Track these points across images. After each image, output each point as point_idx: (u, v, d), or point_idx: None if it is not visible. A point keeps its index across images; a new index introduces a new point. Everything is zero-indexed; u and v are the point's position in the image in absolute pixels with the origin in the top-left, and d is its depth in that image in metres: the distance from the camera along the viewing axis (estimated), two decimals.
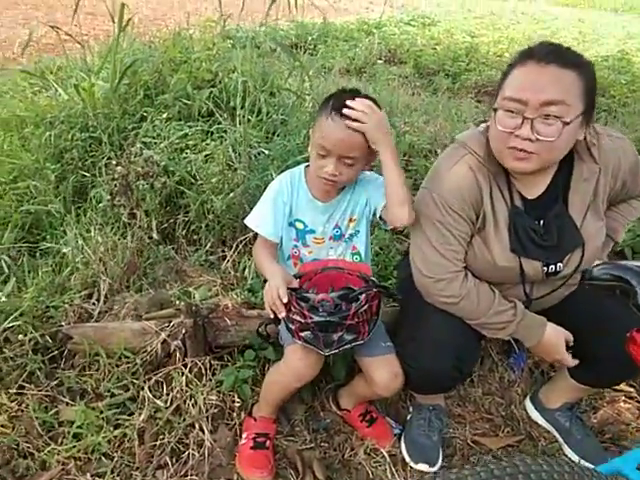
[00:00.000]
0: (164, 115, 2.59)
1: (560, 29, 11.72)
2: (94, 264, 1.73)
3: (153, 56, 3.31)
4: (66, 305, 1.57)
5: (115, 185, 1.89)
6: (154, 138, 2.52)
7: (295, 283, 1.29)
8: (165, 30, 3.85)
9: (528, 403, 1.72)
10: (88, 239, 1.79)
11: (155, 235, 2.09)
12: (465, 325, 1.36)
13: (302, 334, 1.26)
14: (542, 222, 1.32)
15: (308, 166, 1.43)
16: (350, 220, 1.44)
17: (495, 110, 1.18)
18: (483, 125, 1.35)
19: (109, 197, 1.92)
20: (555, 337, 1.34)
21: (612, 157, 1.30)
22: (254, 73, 3.24)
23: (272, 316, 1.29)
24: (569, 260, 1.34)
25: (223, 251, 2.08)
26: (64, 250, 1.76)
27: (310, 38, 7.10)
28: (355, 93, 1.31)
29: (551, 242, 1.31)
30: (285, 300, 1.22)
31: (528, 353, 1.83)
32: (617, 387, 1.78)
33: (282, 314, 1.24)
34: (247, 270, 1.87)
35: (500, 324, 1.33)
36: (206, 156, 2.16)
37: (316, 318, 1.22)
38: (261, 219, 1.40)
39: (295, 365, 1.33)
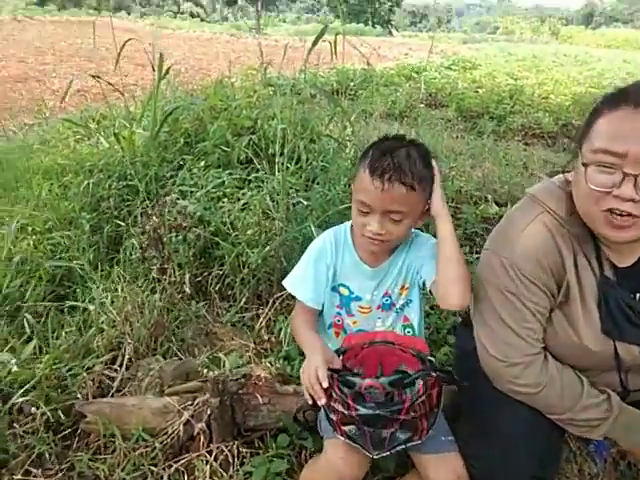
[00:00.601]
0: (202, 163, 2.50)
1: (606, 70, 11.45)
2: (119, 324, 1.60)
3: (194, 104, 3.30)
4: (85, 373, 1.43)
5: (146, 238, 1.78)
6: (191, 186, 2.44)
7: (338, 363, 1.09)
8: (208, 79, 3.86)
9: None
10: (115, 296, 1.66)
11: (187, 289, 1.95)
12: (546, 419, 1.12)
13: (345, 428, 1.05)
14: (638, 296, 1.09)
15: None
16: (402, 288, 1.26)
17: (585, 166, 0.97)
18: (559, 177, 1.15)
19: (140, 250, 1.80)
20: None
21: None
22: (294, 119, 3.17)
23: (310, 401, 1.09)
24: None
25: (259, 307, 1.92)
26: (91, 307, 1.63)
27: (351, 84, 7.13)
28: (399, 140, 1.15)
29: None
30: (325, 385, 1.02)
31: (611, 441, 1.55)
32: None
33: (322, 401, 1.04)
34: (283, 332, 1.69)
35: (591, 421, 1.08)
36: (243, 205, 2.03)
37: (362, 410, 1.02)
38: (301, 282, 1.25)
39: (336, 464, 1.11)
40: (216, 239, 2.06)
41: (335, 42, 2.69)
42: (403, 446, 1.06)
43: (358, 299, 1.25)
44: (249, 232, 1.88)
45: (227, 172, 2.58)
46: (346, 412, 1.03)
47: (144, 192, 2.40)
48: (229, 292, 1.96)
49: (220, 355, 1.53)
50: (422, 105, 6.63)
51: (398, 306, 1.27)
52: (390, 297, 1.26)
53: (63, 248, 2.19)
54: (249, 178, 2.46)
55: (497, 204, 3.15)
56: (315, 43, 1.81)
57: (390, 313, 1.27)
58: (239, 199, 2.27)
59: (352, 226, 1.25)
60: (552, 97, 7.35)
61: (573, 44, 26.67)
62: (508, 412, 1.12)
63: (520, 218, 1.11)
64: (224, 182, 2.44)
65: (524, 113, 6.23)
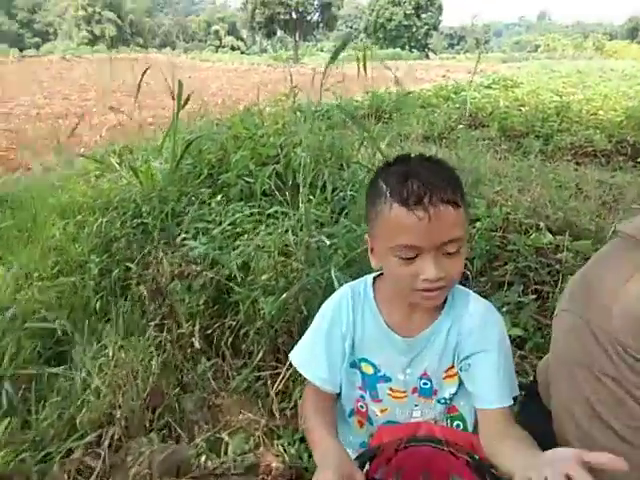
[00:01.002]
0: (218, 197, 2.31)
1: None
2: (109, 395, 1.37)
3: (218, 133, 3.14)
4: (65, 461, 1.20)
5: (146, 288, 1.56)
6: (208, 223, 2.23)
7: (359, 478, 0.80)
8: (237, 108, 3.72)
9: None
10: (104, 361, 1.44)
11: (197, 343, 1.72)
12: None
13: None
14: None
15: (378, 276, 0.99)
16: (448, 371, 0.95)
17: None
18: None
19: (138, 302, 1.58)
20: None
21: None
22: (321, 146, 2.96)
23: None
24: None
25: (276, 366, 1.66)
26: (78, 375, 1.41)
27: (385, 107, 6.92)
28: (407, 159, 0.89)
29: None
30: None
31: None
32: None
33: None
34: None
35: None
36: (258, 245, 1.79)
37: None
38: (309, 357, 0.97)
39: None
40: (230, 284, 1.83)
41: (364, 59, 2.47)
42: None
43: (387, 380, 0.96)
44: (264, 277, 1.63)
45: (249, 205, 2.37)
46: None
47: (158, 230, 2.21)
48: (243, 346, 1.71)
49: (223, 435, 1.27)
50: (462, 126, 6.32)
51: (441, 396, 0.97)
52: (430, 381, 0.96)
53: (68, 296, 2.01)
54: (270, 212, 2.24)
55: (551, 232, 2.80)
56: (334, 57, 1.58)
57: (430, 402, 0.97)
58: (258, 235, 2.04)
59: (374, 282, 0.98)
60: (601, 113, 6.89)
61: (619, 59, 25.71)
62: None
63: (617, 270, 0.81)
64: (247, 216, 2.22)
65: (573, 131, 5.81)
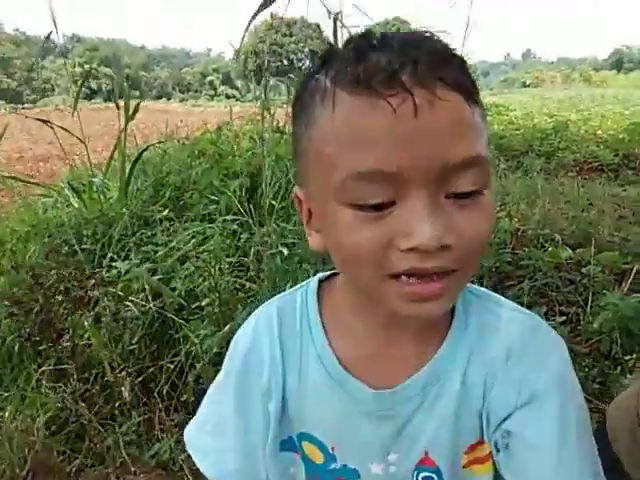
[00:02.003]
0: (163, 213, 1.92)
1: None
2: None
3: (182, 151, 2.80)
4: None
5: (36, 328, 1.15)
6: (157, 246, 1.84)
7: None
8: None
9: None
10: None
11: (126, 394, 1.29)
12: None
13: None
14: None
15: (325, 279, 0.55)
16: (474, 452, 0.49)
17: None
18: None
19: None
20: None
21: None
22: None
23: None
24: None
25: None
26: None
27: None
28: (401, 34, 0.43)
29: None
30: None
31: None
32: None
33: None
34: None
35: None
36: (200, 266, 1.39)
37: None
38: (209, 437, 0.54)
39: None
40: (170, 316, 1.41)
41: None
42: None
43: (350, 475, 0.51)
44: (204, 302, 1.21)
45: (209, 227, 1.98)
46: None
47: (90, 259, 1.82)
48: (184, 397, 1.27)
49: None
50: None
51: None
52: (438, 472, 0.49)
53: None
54: (233, 229, 1.84)
55: (568, 246, 2.40)
56: None
57: None
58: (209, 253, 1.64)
59: (320, 287, 0.54)
60: (600, 132, 6.67)
61: (608, 88, 25.96)
62: None
63: None
64: (206, 237, 1.82)
65: (574, 148, 5.52)
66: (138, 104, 2.22)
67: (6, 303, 1.54)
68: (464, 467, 0.49)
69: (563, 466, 0.45)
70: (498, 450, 0.48)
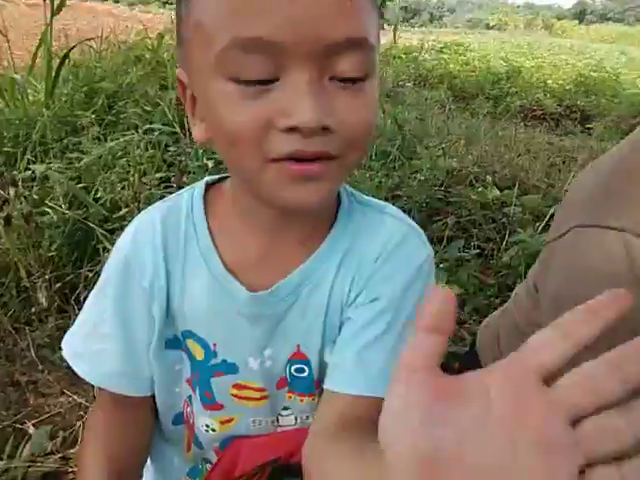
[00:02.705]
0: (91, 118, 1.83)
1: (604, 60, 10.90)
2: None
3: (117, 55, 2.63)
4: None
5: None
6: (83, 153, 1.76)
7: None
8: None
9: None
10: None
11: (43, 299, 1.28)
12: None
13: None
14: None
15: (213, 184, 0.56)
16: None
17: None
18: None
19: None
20: None
21: None
22: None
23: None
24: None
25: None
26: None
27: None
28: None
29: None
30: None
31: None
32: None
33: None
34: None
35: None
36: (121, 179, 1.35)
37: None
38: (89, 339, 0.54)
39: None
40: (92, 225, 1.39)
41: None
42: None
43: (230, 369, 0.54)
44: (124, 210, 1.20)
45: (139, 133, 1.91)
46: None
47: (10, 162, 1.73)
48: None
49: (27, 425, 0.85)
50: (410, 84, 5.98)
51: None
52: (308, 363, 0.54)
53: None
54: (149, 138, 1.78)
55: (498, 188, 2.51)
56: None
57: (311, 399, 0.55)
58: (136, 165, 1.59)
59: (206, 190, 0.54)
60: (551, 81, 6.78)
61: (568, 38, 26.12)
62: None
63: None
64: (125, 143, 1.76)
65: (523, 94, 5.61)
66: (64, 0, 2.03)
67: None
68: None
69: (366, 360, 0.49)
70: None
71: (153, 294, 0.52)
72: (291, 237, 0.52)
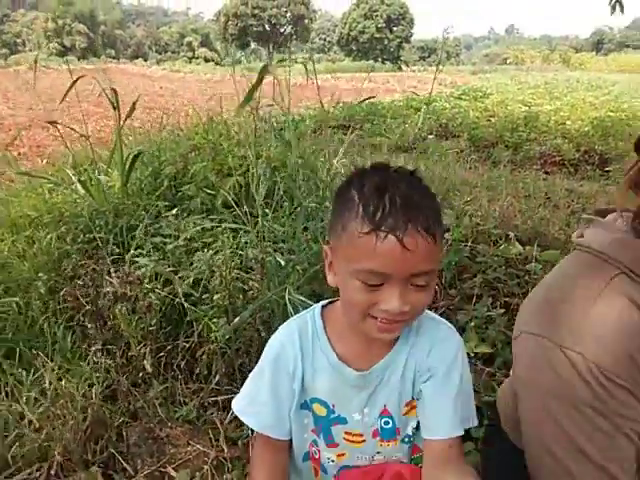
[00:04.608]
0: (174, 210, 2.20)
1: (622, 93, 11.13)
2: (45, 427, 1.24)
3: (178, 143, 3.04)
4: None
5: (87, 312, 1.45)
6: (166, 237, 2.12)
7: None
8: (196, 115, 3.62)
9: None
10: (41, 391, 1.32)
11: (148, 366, 1.60)
12: None
13: None
14: None
15: (328, 304, 0.90)
16: (412, 405, 0.87)
17: None
18: (614, 217, 0.80)
19: (78, 327, 1.46)
20: None
21: None
22: (290, 156, 2.88)
23: None
24: None
25: (232, 387, 1.56)
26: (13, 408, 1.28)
27: (356, 118, 6.91)
28: (386, 169, 0.77)
29: None
30: None
31: None
32: None
33: None
34: None
35: None
36: (211, 263, 1.69)
37: None
38: (252, 404, 0.87)
39: None
40: (184, 302, 1.72)
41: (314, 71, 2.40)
42: None
43: (342, 421, 0.86)
44: (216, 296, 1.52)
45: (209, 218, 2.27)
46: None
47: (110, 245, 2.09)
48: (197, 370, 1.60)
49: (168, 470, 1.16)
50: (432, 136, 6.33)
51: (406, 433, 0.88)
52: (392, 418, 0.86)
53: (13, 316, 1.87)
54: (229, 226, 2.13)
55: (520, 242, 2.76)
56: (259, 81, 1.44)
57: (395, 444, 0.88)
58: (216, 252, 1.93)
59: (322, 312, 0.88)
60: (569, 123, 7.04)
61: (585, 70, 26.48)
62: None
63: (586, 288, 0.74)
64: (204, 230, 2.11)
65: (541, 140, 5.89)
66: (134, 103, 2.47)
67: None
68: (404, 415, 0.86)
69: (450, 402, 0.82)
70: (418, 400, 0.85)
71: (294, 377, 0.85)
72: (379, 341, 0.83)
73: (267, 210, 2.05)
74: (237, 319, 1.44)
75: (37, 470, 1.21)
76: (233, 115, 3.78)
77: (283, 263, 1.52)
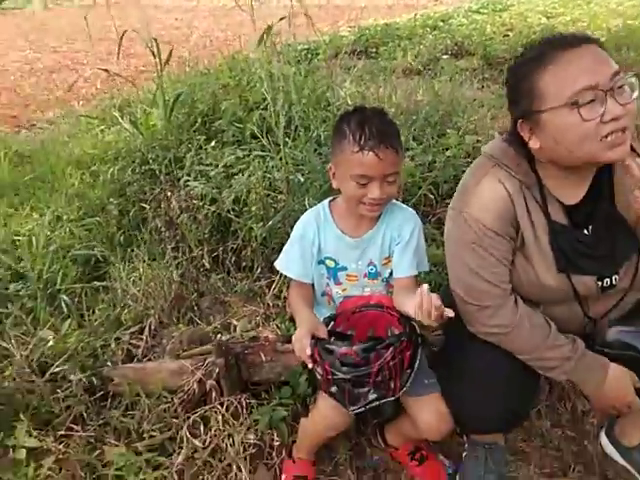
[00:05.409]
0: (212, 142, 2.65)
1: None
2: (143, 300, 1.79)
3: (207, 83, 3.42)
4: (113, 344, 1.64)
5: (161, 221, 1.95)
6: (207, 166, 2.58)
7: (322, 332, 1.22)
8: (220, 56, 3.95)
9: (603, 437, 1.52)
10: (137, 276, 1.86)
11: (206, 263, 2.13)
12: (517, 360, 1.21)
13: (328, 388, 1.20)
14: (590, 229, 1.17)
15: (332, 200, 1.38)
16: (386, 259, 1.36)
17: (576, 106, 1.01)
18: (503, 136, 1.22)
19: (157, 232, 1.98)
20: (621, 380, 1.17)
21: None
22: (306, 87, 3.25)
23: (302, 363, 1.30)
24: (626, 268, 1.17)
25: (270, 277, 2.07)
26: (117, 286, 1.83)
27: (371, 41, 7.01)
28: (364, 110, 1.25)
29: (603, 250, 1.16)
30: (309, 353, 1.17)
31: None
32: None
33: (309, 365, 1.20)
34: None
35: (555, 360, 1.18)
36: (247, 184, 2.16)
37: (339, 375, 1.15)
38: (289, 261, 1.38)
39: (326, 414, 1.29)
40: (229, 215, 2.21)
41: None
42: (377, 403, 1.18)
43: (344, 269, 1.37)
44: (253, 209, 2.01)
45: (240, 148, 2.71)
46: (325, 376, 1.18)
47: (164, 174, 2.57)
48: (243, 264, 2.11)
49: (232, 321, 1.70)
50: (446, 56, 6.42)
51: (384, 276, 1.38)
52: (375, 266, 1.36)
53: (95, 233, 2.41)
54: (257, 154, 2.57)
55: None
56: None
57: (377, 282, 1.38)
58: (251, 175, 2.39)
59: (329, 204, 1.37)
60: (588, 33, 6.93)
61: None
62: (483, 355, 1.23)
63: (475, 174, 1.21)
64: (237, 159, 2.56)
65: None
66: (171, 52, 2.84)
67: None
68: (383, 265, 1.35)
69: (409, 254, 1.32)
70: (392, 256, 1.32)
71: (314, 244, 1.35)
72: (366, 219, 1.30)
73: (287, 139, 2.47)
74: (270, 222, 1.93)
75: (141, 327, 1.77)
76: (252, 51, 4.10)
77: (303, 180, 1.98)
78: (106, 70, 3.04)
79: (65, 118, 4.39)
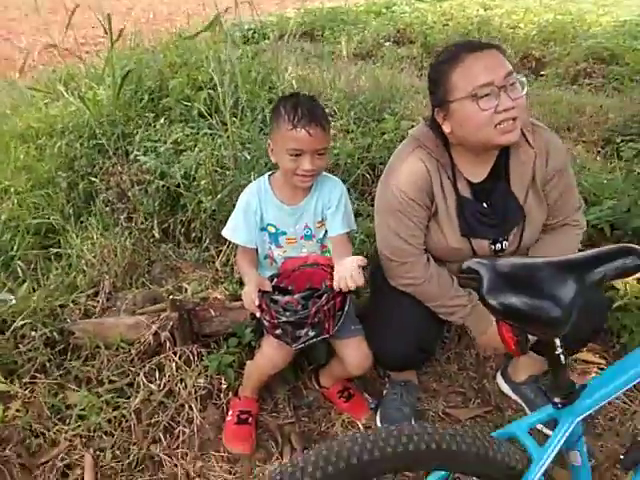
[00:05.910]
0: (161, 120, 2.75)
1: None
2: (97, 266, 1.93)
3: (155, 61, 3.48)
4: (71, 304, 1.77)
5: (113, 193, 2.08)
6: (155, 142, 2.69)
7: (268, 286, 1.46)
8: (166, 32, 4.00)
9: (499, 377, 1.84)
10: (92, 243, 1.98)
11: (157, 234, 2.28)
12: (426, 309, 1.49)
13: (274, 331, 1.43)
14: (489, 203, 1.45)
15: (272, 174, 1.59)
16: (319, 223, 1.58)
17: (475, 99, 1.26)
18: (425, 122, 1.46)
19: (109, 203, 2.10)
20: None
21: (545, 145, 1.42)
22: (252, 70, 3.39)
23: (250, 315, 1.53)
24: (513, 236, 1.46)
25: (218, 247, 2.24)
26: (70, 252, 1.95)
27: (317, 24, 7.15)
28: (297, 95, 1.47)
29: (497, 220, 1.45)
30: (257, 303, 1.40)
31: None
32: (588, 359, 1.87)
33: (257, 314, 1.43)
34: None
35: (455, 307, 1.46)
36: (196, 159, 2.31)
37: (282, 318, 1.38)
38: (235, 230, 1.56)
39: (270, 355, 1.52)
40: (179, 189, 2.36)
41: None
42: (315, 340, 1.43)
43: (284, 233, 1.58)
44: (202, 183, 2.17)
45: (189, 126, 2.84)
46: (271, 321, 1.41)
47: (112, 149, 2.66)
48: (193, 235, 2.28)
49: (183, 284, 1.88)
50: (389, 43, 6.68)
51: (317, 238, 1.60)
52: (310, 229, 1.58)
53: (44, 205, 2.48)
54: (205, 132, 2.71)
55: None
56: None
57: (312, 242, 1.60)
58: (201, 151, 2.54)
59: (269, 177, 1.57)
60: (521, 26, 7.35)
61: None
62: (399, 305, 1.51)
63: (402, 153, 1.46)
64: (184, 136, 2.69)
65: None
66: (122, 30, 2.90)
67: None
68: (317, 228, 1.57)
69: (340, 215, 1.54)
70: (326, 219, 1.56)
71: (256, 213, 1.54)
72: (300, 189, 1.51)
73: (234, 119, 2.63)
74: (218, 196, 2.10)
75: (97, 290, 1.91)
76: (200, 31, 4.17)
77: (249, 158, 2.17)
78: (54, 45, 3.04)
79: (3, 90, 4.29)
